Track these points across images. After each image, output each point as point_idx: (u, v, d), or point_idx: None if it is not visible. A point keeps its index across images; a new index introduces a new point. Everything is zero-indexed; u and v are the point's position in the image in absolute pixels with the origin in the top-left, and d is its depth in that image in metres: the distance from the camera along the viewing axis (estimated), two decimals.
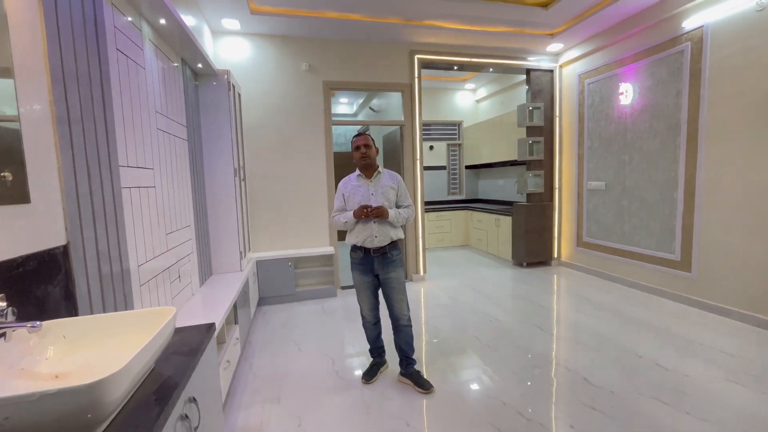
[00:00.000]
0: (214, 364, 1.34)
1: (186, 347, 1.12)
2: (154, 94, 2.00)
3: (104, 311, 1.37)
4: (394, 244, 2.22)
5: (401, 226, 2.25)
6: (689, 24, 3.13)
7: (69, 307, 1.18)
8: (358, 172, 2.25)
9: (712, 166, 3.05)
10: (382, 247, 2.17)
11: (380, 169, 2.25)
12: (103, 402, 0.70)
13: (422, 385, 2.14)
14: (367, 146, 2.18)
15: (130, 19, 1.76)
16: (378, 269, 2.19)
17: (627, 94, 3.77)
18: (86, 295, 1.27)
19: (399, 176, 2.30)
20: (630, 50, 3.70)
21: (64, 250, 1.17)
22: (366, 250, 2.18)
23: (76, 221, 1.23)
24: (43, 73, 1.13)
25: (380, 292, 2.29)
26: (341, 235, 4.60)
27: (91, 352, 0.96)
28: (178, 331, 1.23)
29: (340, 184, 2.30)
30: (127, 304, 1.55)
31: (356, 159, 2.21)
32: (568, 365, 2.38)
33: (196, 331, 1.25)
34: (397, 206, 2.24)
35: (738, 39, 2.82)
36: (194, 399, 1.02)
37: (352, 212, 2.15)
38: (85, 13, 1.37)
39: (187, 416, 0.95)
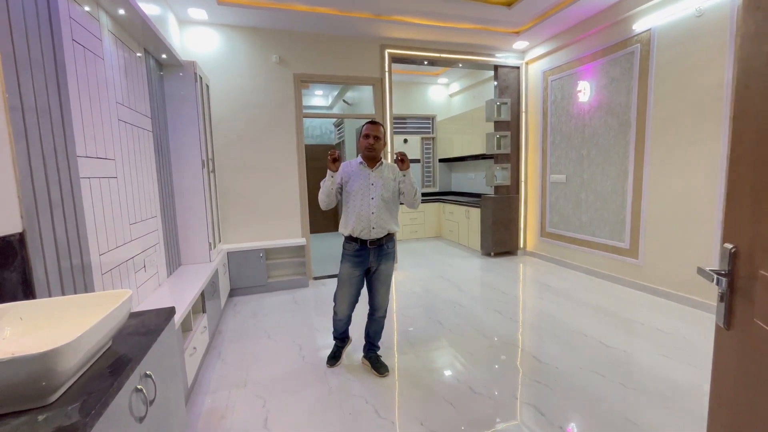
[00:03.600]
0: (174, 346, 1.41)
1: (144, 328, 1.19)
2: (115, 85, 2.01)
3: None
4: (390, 236, 2.18)
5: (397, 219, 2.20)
6: (639, 27, 3.34)
7: (26, 293, 1.22)
8: (360, 159, 2.18)
9: (656, 162, 3.29)
10: (379, 239, 2.13)
11: (383, 160, 2.21)
12: (56, 371, 0.77)
13: (378, 369, 2.24)
14: (376, 138, 2.10)
15: (87, 9, 1.76)
16: (372, 262, 2.16)
17: (585, 91, 3.97)
18: (44, 282, 1.30)
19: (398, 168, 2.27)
20: (588, 50, 3.90)
21: (21, 237, 1.20)
22: (362, 242, 2.13)
23: (32, 210, 1.26)
24: None
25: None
26: (314, 227, 4.63)
27: (47, 332, 1.02)
28: (139, 314, 1.29)
29: (341, 167, 2.19)
30: (87, 292, 1.58)
31: (362, 147, 2.13)
32: (522, 346, 2.55)
33: (155, 314, 1.31)
34: (401, 191, 2.19)
35: (680, 42, 3.04)
36: (149, 375, 1.09)
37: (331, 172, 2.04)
38: (38, 3, 1.38)
39: (141, 389, 1.02)
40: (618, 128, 3.64)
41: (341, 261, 2.23)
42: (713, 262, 2.89)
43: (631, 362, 2.28)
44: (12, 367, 0.72)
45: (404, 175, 2.12)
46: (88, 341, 0.86)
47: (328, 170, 2.06)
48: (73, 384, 0.85)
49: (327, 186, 2.09)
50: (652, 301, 3.26)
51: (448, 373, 2.25)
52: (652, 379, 2.09)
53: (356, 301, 2.28)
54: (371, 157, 2.15)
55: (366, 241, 2.13)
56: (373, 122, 2.14)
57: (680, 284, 3.17)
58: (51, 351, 0.75)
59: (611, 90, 3.68)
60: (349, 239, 2.18)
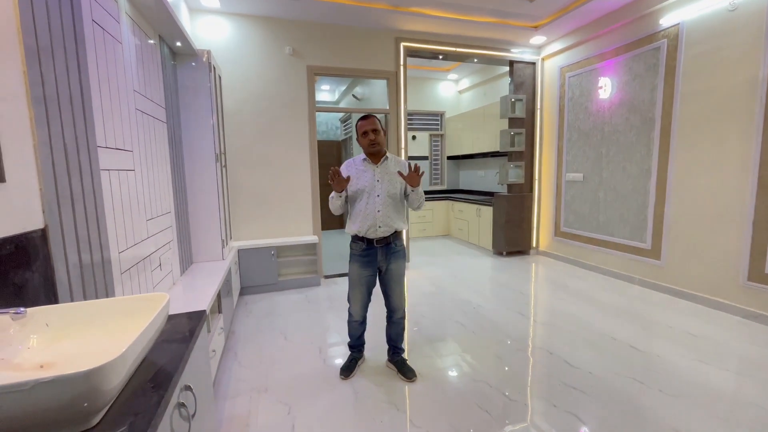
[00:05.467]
0: (206, 352, 1.31)
1: (179, 335, 1.08)
2: (132, 72, 1.89)
3: (84, 299, 1.30)
4: (397, 234, 2.12)
5: (406, 217, 2.14)
6: (666, 21, 3.24)
7: (48, 295, 1.11)
8: (363, 156, 2.11)
9: (682, 160, 3.21)
10: (385, 237, 2.07)
11: (388, 154, 2.12)
12: (100, 390, 0.67)
13: (405, 373, 2.15)
14: (375, 131, 2.02)
15: None
16: (381, 261, 2.10)
17: (606, 88, 3.88)
18: (66, 282, 1.20)
19: (407, 163, 2.14)
20: (610, 45, 3.80)
21: (42, 234, 1.09)
22: (369, 241, 2.07)
23: (53, 203, 1.15)
24: (17, 46, 1.03)
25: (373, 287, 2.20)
26: (325, 224, 4.53)
27: (77, 340, 0.91)
28: (168, 318, 1.19)
29: (344, 166, 2.13)
30: (108, 293, 1.48)
31: (364, 146, 2.06)
32: (549, 349, 2.47)
33: (186, 318, 1.21)
34: (406, 193, 2.12)
35: (711, 37, 2.94)
36: (190, 387, 0.99)
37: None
38: None
39: (184, 404, 0.92)
40: (641, 126, 3.55)
41: (349, 261, 2.16)
42: (743, 263, 2.81)
43: (667, 368, 2.19)
44: (52, 389, 0.62)
45: (413, 190, 2.05)
46: (133, 354, 0.76)
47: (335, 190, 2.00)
48: (113, 403, 0.75)
49: (336, 204, 2.06)
50: (676, 303, 3.18)
51: (477, 377, 2.15)
52: (692, 386, 2.00)
53: (369, 300, 2.21)
54: (375, 152, 2.07)
55: (372, 240, 2.06)
56: (365, 117, 2.06)
57: (705, 286, 3.10)
58: (97, 369, 0.64)
59: (634, 87, 3.59)
60: (356, 239, 2.12)
